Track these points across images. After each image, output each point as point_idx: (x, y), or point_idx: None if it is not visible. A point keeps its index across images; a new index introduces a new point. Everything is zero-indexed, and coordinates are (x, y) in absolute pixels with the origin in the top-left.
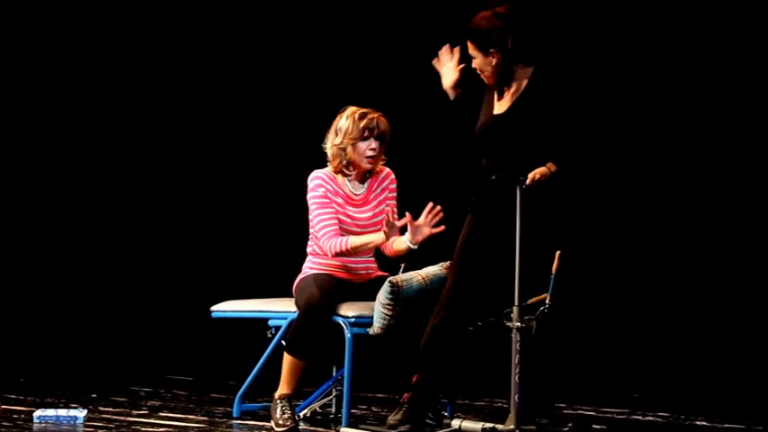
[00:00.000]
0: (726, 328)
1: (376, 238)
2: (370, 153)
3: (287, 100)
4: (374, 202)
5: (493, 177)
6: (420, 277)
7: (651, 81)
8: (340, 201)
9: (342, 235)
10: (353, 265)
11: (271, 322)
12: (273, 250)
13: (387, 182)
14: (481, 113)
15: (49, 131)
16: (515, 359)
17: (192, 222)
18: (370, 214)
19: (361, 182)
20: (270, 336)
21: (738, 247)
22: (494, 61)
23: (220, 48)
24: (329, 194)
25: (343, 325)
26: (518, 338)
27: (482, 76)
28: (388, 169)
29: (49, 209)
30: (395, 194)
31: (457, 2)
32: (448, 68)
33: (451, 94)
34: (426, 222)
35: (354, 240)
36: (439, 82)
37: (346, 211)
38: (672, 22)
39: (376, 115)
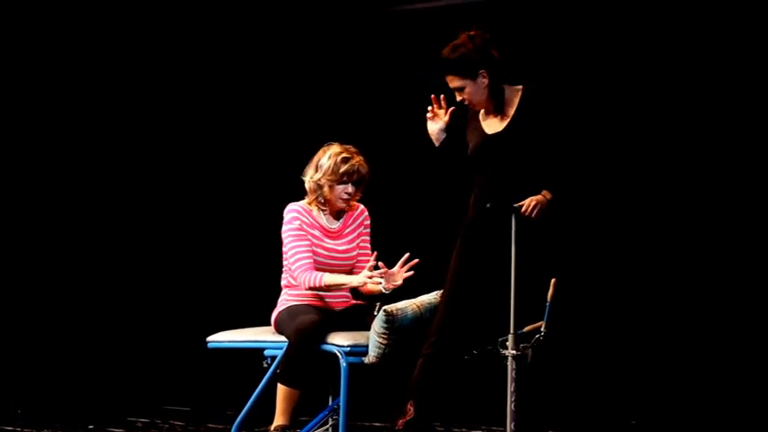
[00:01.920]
0: (723, 355)
1: (352, 280)
2: (345, 196)
3: (282, 127)
4: (350, 236)
5: (488, 205)
6: (415, 306)
7: (639, 99)
8: (317, 233)
9: (316, 269)
10: (329, 299)
11: (266, 352)
12: (269, 280)
13: (361, 218)
14: (469, 139)
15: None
16: (511, 387)
17: (188, 253)
18: (345, 248)
19: (336, 217)
20: (266, 366)
21: (734, 273)
22: (485, 82)
23: (207, 73)
24: (305, 227)
25: (338, 354)
26: (514, 366)
27: (473, 105)
28: (362, 206)
29: (46, 235)
30: (369, 231)
31: (436, 34)
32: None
33: (438, 140)
34: (400, 271)
35: (329, 279)
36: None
37: (323, 243)
38: (656, 29)
39: (357, 160)
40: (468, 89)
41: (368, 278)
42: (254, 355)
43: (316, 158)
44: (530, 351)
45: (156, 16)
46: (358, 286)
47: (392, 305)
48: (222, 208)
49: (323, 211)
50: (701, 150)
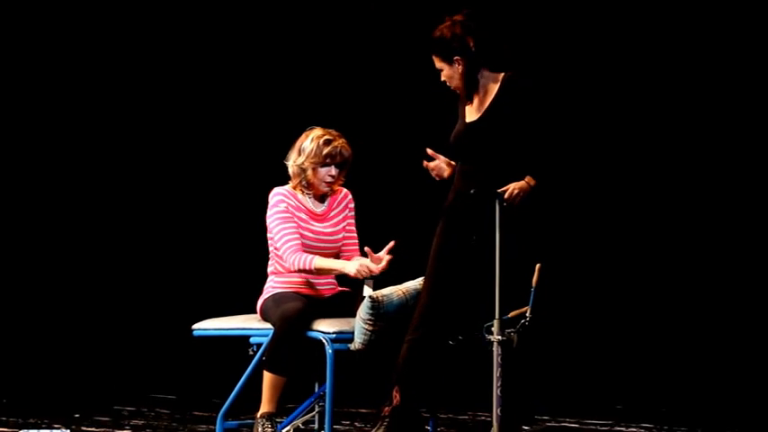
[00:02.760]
0: (707, 338)
1: (343, 267)
2: (329, 179)
3: (264, 113)
4: (335, 219)
5: (471, 191)
6: (400, 292)
7: (628, 85)
8: (303, 216)
9: (304, 251)
10: (316, 285)
11: (252, 340)
12: (254, 268)
13: (346, 201)
14: (457, 124)
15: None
16: (497, 372)
17: (173, 241)
18: (331, 230)
19: (321, 200)
20: (251, 353)
21: (717, 258)
22: (460, 69)
23: (194, 70)
24: (291, 209)
25: (324, 341)
26: (499, 352)
27: (451, 87)
28: (345, 189)
29: (29, 225)
30: (353, 214)
31: (422, 19)
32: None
33: (447, 174)
34: (385, 257)
35: (319, 262)
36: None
37: (309, 226)
38: (644, 23)
39: (340, 143)
40: (445, 72)
41: (358, 269)
42: (239, 342)
43: (298, 142)
44: (515, 336)
45: (139, 5)
46: (348, 274)
47: (377, 291)
48: (207, 195)
49: (307, 195)
50: (683, 137)
